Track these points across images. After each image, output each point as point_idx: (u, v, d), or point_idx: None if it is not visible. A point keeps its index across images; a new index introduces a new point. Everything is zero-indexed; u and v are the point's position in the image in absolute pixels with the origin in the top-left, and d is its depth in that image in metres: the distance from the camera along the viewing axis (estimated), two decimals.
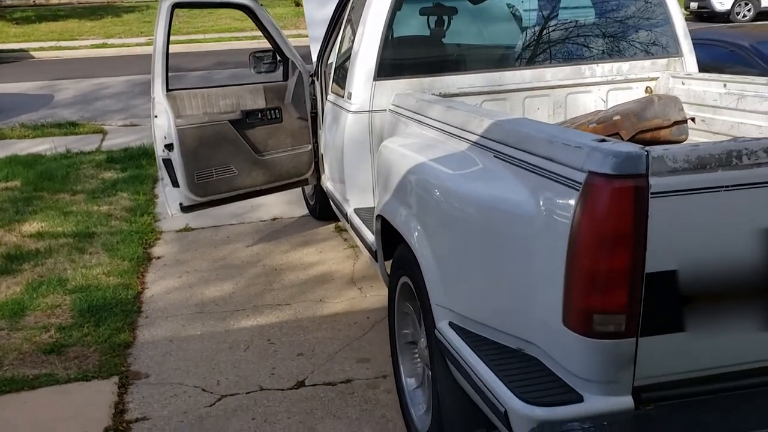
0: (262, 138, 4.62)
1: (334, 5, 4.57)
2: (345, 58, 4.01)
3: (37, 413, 3.13)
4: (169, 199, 4.41)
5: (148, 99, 4.51)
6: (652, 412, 1.82)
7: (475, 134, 2.39)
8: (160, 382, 3.38)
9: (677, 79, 3.84)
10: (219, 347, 3.70)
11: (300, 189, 5.63)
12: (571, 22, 3.98)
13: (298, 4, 20.71)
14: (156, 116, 4.25)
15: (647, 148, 1.71)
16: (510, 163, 2.12)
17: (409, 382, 2.97)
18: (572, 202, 1.76)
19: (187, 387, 3.34)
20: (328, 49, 4.65)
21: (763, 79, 3.40)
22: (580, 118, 3.64)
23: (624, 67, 3.91)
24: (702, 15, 20.08)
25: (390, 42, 3.67)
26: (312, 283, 4.44)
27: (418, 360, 2.93)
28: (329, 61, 4.63)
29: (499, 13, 4.08)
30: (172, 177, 4.32)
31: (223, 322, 3.97)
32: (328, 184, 4.49)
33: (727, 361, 1.87)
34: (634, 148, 1.71)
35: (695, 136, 3.55)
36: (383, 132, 3.56)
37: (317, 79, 4.75)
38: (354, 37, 3.84)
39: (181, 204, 4.42)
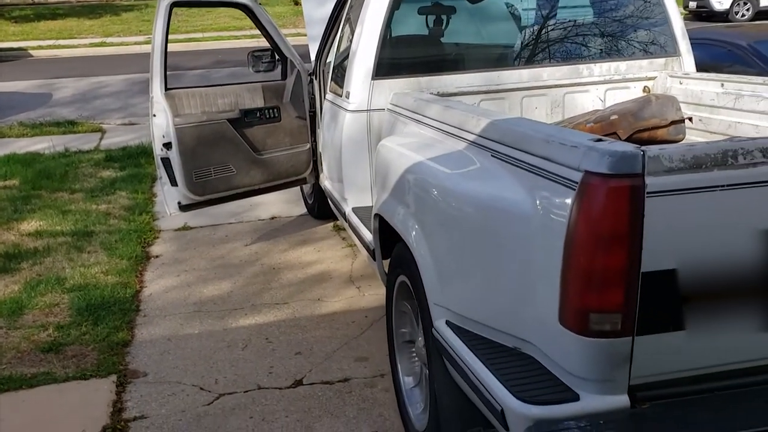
0: (260, 137, 4.62)
1: (333, 4, 4.57)
2: (343, 58, 4.01)
3: (36, 412, 3.14)
4: (168, 197, 4.41)
5: (146, 98, 4.51)
6: (648, 411, 1.83)
7: (472, 133, 2.40)
8: (158, 381, 3.38)
9: (675, 78, 3.85)
10: (217, 346, 3.70)
11: (298, 188, 5.64)
12: (569, 21, 3.99)
13: (297, 3, 20.72)
14: (154, 115, 4.25)
15: (643, 147, 1.72)
16: (507, 162, 2.12)
17: (407, 381, 2.98)
18: (569, 201, 1.77)
19: (185, 386, 3.34)
20: (327, 48, 4.66)
21: (760, 79, 3.41)
22: (577, 117, 3.65)
23: (622, 66, 3.91)
24: (701, 14, 20.09)
25: (388, 41, 3.67)
26: (310, 282, 4.44)
27: (416, 359, 2.94)
28: (328, 61, 4.63)
29: (498, 12, 4.09)
30: (170, 176, 4.32)
31: (221, 321, 3.97)
32: (326, 183, 4.50)
33: (722, 360, 1.88)
34: (630, 147, 1.72)
35: (692, 136, 3.56)
36: (381, 131, 3.56)
37: (316, 78, 4.76)
38: (352, 37, 3.84)
39: (179, 203, 4.43)
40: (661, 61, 3.96)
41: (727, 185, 1.74)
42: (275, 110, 4.67)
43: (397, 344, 3.06)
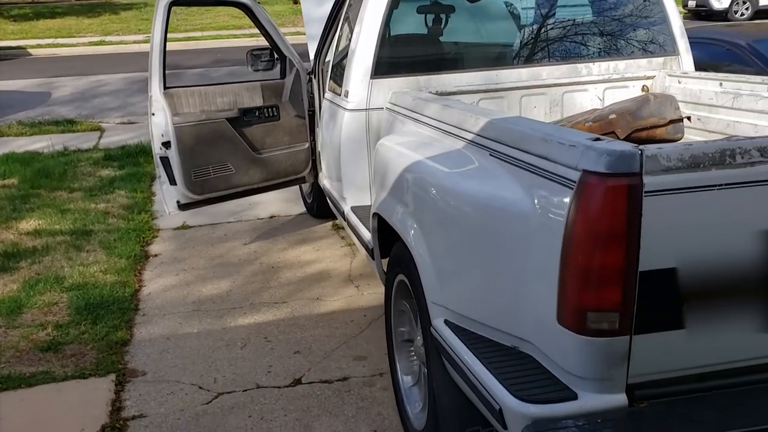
0: (259, 136, 4.62)
1: (332, 3, 4.57)
2: (342, 56, 4.01)
3: (35, 411, 3.14)
4: (167, 196, 4.42)
5: (145, 97, 4.50)
6: (646, 410, 1.83)
7: (471, 133, 2.40)
8: (157, 380, 3.39)
9: (673, 77, 3.85)
10: (216, 345, 3.71)
11: (297, 187, 5.63)
12: (568, 20, 3.99)
13: (296, 2, 20.69)
14: (153, 114, 4.25)
15: (641, 146, 1.72)
16: (506, 161, 2.12)
17: (406, 380, 2.98)
18: (567, 200, 1.77)
19: (183, 384, 3.34)
20: (326, 47, 4.66)
21: (758, 78, 3.41)
22: (576, 116, 3.65)
23: (620, 65, 3.91)
24: (700, 13, 20.08)
25: (387, 40, 3.67)
26: (309, 281, 4.44)
27: (415, 358, 2.94)
28: (326, 59, 4.63)
29: (496, 11, 4.09)
30: (169, 175, 4.32)
31: (220, 320, 3.98)
32: (325, 182, 4.50)
33: (720, 358, 1.88)
34: (627, 146, 1.72)
35: (691, 135, 3.56)
36: (380, 130, 3.56)
37: (314, 77, 4.76)
38: (351, 35, 3.84)
39: (178, 202, 4.43)
40: (660, 60, 3.96)
41: (725, 184, 1.74)
42: (274, 109, 4.67)
43: (396, 343, 3.06)
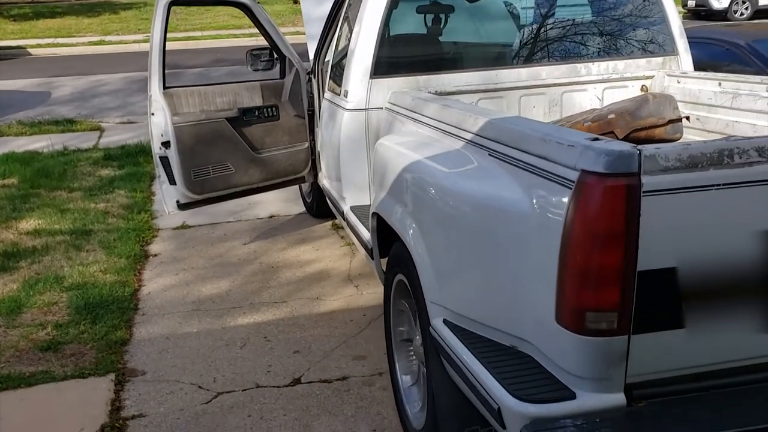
0: (259, 136, 4.62)
1: (331, 3, 4.57)
2: (342, 56, 4.02)
3: (34, 410, 3.14)
4: (166, 196, 4.42)
5: (145, 96, 4.51)
6: (644, 409, 1.83)
7: (470, 132, 2.40)
8: (156, 380, 3.39)
9: (672, 77, 3.85)
10: (215, 344, 3.71)
11: (297, 186, 5.64)
12: (567, 20, 3.99)
13: (296, 2, 20.68)
14: (153, 114, 4.26)
15: (639, 146, 1.73)
16: (504, 161, 2.13)
17: (405, 380, 2.98)
18: (565, 200, 1.77)
19: (183, 384, 3.34)
20: (325, 46, 4.66)
21: (757, 78, 3.41)
22: (575, 116, 3.66)
23: (620, 65, 3.92)
24: (699, 13, 20.08)
25: (386, 40, 3.68)
26: (308, 281, 4.45)
27: (414, 357, 2.94)
28: (326, 59, 4.63)
29: (496, 11, 4.09)
30: (169, 174, 4.33)
31: (219, 320, 3.98)
32: (324, 181, 4.50)
33: (718, 358, 1.88)
34: (626, 146, 1.73)
35: (690, 135, 3.56)
36: (379, 130, 3.57)
37: (314, 77, 4.76)
38: (351, 35, 3.85)
39: (178, 201, 4.43)
40: (659, 60, 3.97)
41: (724, 184, 1.75)
42: (274, 109, 4.67)
43: (395, 343, 3.06)
